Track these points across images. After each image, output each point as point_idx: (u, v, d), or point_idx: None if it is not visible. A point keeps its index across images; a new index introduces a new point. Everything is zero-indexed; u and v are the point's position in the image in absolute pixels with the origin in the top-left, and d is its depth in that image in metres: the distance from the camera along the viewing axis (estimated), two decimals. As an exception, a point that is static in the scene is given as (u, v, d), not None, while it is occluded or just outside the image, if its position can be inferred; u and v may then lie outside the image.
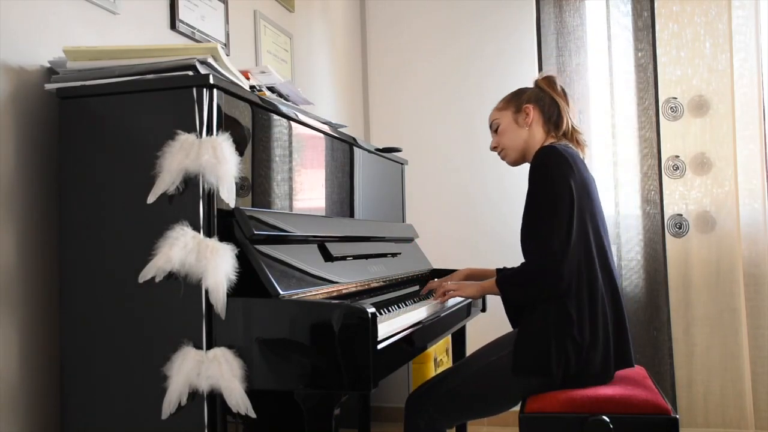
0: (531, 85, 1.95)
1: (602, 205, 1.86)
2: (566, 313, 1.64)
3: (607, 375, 1.69)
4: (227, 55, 1.84)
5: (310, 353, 1.31)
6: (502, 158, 1.95)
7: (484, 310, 2.46)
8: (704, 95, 2.95)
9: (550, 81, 1.92)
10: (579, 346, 1.63)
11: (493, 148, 1.96)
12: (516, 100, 1.90)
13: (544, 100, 1.89)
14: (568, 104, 1.89)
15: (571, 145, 1.85)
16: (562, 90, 1.91)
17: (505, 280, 1.78)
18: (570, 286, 1.65)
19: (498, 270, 1.87)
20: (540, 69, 3.15)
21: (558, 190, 1.68)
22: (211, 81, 1.36)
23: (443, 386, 1.77)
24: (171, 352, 1.32)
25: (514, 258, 1.80)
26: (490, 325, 2.37)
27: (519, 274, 1.75)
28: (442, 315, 1.89)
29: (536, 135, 1.87)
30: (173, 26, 1.95)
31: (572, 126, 1.88)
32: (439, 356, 2.87)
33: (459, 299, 2.09)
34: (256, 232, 1.40)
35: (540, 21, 3.15)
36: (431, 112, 3.39)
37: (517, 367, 1.67)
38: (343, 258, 1.77)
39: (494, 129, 1.94)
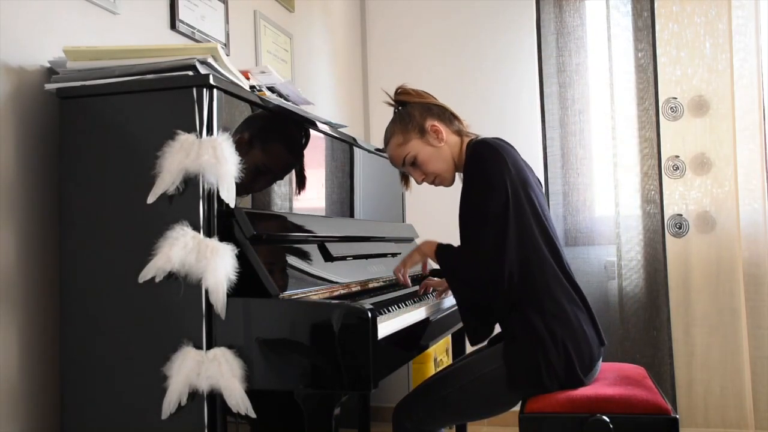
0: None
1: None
2: (540, 324, 1.62)
3: (594, 364, 1.69)
4: (227, 55, 1.84)
5: (309, 353, 1.31)
6: (437, 185, 1.83)
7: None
8: (704, 95, 2.95)
9: (409, 91, 1.81)
10: (562, 352, 1.61)
11: (422, 181, 1.81)
12: (413, 126, 1.76)
13: (431, 109, 1.78)
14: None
15: (498, 137, 1.77)
16: (422, 91, 1.82)
17: (447, 256, 1.72)
18: (513, 282, 1.62)
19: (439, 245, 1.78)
20: (540, 69, 3.14)
21: (495, 186, 1.62)
22: (211, 81, 1.36)
23: (434, 393, 1.72)
24: (171, 352, 1.32)
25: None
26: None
27: (460, 256, 1.69)
28: (442, 315, 1.89)
29: (454, 145, 1.79)
30: (173, 26, 1.95)
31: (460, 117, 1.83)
32: (439, 356, 2.87)
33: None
34: (255, 232, 1.40)
35: (540, 21, 3.15)
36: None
37: (511, 382, 1.65)
38: (343, 258, 1.77)
39: (410, 163, 1.78)
